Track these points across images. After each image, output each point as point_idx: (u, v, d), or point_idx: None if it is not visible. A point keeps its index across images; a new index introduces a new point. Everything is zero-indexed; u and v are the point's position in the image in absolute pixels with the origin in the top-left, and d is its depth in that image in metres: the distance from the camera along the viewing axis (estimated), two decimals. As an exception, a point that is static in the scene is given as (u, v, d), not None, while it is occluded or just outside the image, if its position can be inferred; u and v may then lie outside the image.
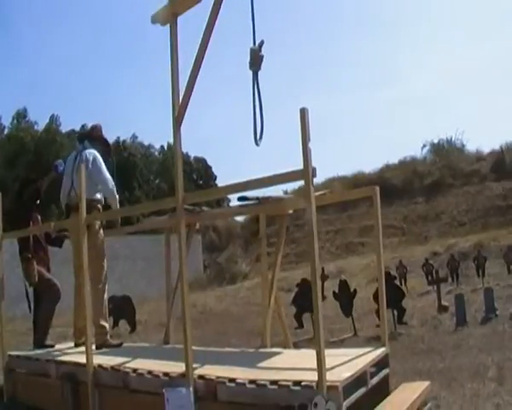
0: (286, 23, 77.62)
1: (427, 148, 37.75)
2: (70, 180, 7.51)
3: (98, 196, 7.30)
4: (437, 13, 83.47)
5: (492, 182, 28.72)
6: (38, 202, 8.28)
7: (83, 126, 45.61)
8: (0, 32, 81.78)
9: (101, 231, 7.40)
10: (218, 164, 73.09)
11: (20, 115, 59.58)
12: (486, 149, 32.26)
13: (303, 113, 4.01)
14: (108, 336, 7.35)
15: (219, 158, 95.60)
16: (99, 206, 7.29)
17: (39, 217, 8.32)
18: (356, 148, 76.46)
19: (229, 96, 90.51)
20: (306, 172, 3.99)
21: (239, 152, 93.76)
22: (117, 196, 7.56)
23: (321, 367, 3.92)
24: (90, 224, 6.57)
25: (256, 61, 5.24)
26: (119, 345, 7.38)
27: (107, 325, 7.36)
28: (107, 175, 7.43)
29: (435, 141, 37.82)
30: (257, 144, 5.21)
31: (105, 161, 7.60)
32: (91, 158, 7.28)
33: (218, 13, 4.83)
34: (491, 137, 66.26)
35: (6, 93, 77.59)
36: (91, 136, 7.74)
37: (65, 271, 8.85)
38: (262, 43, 5.27)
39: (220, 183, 66.47)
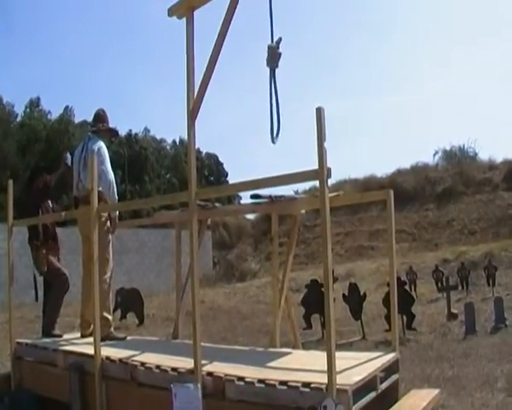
0: (301, 24, 77.51)
1: (439, 155, 37.79)
2: (77, 172, 7.52)
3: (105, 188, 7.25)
4: (451, 17, 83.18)
5: (504, 191, 28.60)
6: (48, 193, 8.28)
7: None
8: (17, 22, 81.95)
9: (108, 223, 7.38)
10: (229, 161, 73.09)
11: (33, 104, 59.78)
12: (499, 158, 32.18)
13: (319, 112, 3.96)
14: (112, 329, 7.35)
15: (231, 155, 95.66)
16: (105, 198, 7.23)
17: (51, 205, 8.30)
18: (368, 151, 76.39)
19: (242, 92, 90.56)
20: (321, 173, 3.94)
21: (250, 149, 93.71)
22: (112, 191, 7.31)
23: (331, 370, 3.88)
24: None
25: (273, 58, 5.19)
26: (123, 338, 7.37)
27: (110, 318, 7.34)
28: (108, 168, 7.34)
29: (447, 148, 37.87)
30: (273, 142, 5.16)
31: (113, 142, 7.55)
32: (96, 149, 7.24)
33: (235, 8, 4.80)
34: (505, 145, 66.03)
35: (21, 82, 78.02)
36: (99, 130, 7.71)
37: (73, 261, 8.86)
38: (280, 40, 5.23)
39: (231, 180, 66.52)
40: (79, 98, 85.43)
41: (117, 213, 7.62)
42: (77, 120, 58.48)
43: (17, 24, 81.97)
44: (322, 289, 4.36)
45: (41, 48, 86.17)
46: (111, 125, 7.95)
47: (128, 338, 7.52)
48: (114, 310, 11.84)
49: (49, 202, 8.26)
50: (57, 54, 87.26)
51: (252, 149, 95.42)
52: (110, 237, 7.43)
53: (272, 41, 5.22)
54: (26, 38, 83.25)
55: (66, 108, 59.81)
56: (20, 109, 59.02)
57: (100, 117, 7.85)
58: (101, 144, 7.44)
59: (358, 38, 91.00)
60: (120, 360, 5.66)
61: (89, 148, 7.36)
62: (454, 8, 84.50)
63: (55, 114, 59.36)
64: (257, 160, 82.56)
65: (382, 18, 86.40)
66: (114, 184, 7.41)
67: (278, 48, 5.20)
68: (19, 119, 58.52)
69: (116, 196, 7.45)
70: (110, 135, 8.17)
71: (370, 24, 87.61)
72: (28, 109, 59.46)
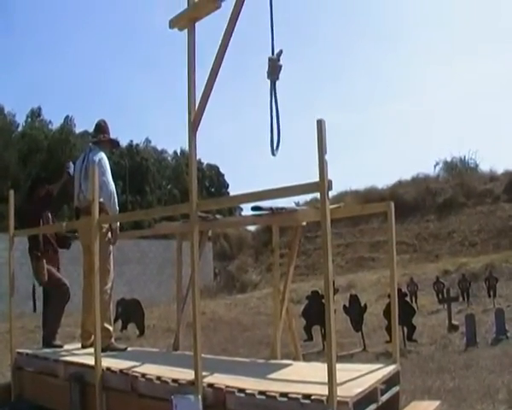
0: (303, 36, 77.77)
1: (440, 166, 37.77)
2: (78, 183, 7.54)
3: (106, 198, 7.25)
4: (453, 27, 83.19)
5: (505, 203, 28.58)
6: (49, 203, 8.29)
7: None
8: (17, 31, 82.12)
9: (109, 234, 7.39)
10: (230, 172, 73.00)
11: (35, 114, 59.94)
12: (500, 170, 32.19)
13: (320, 125, 3.98)
14: (113, 340, 7.35)
15: (232, 166, 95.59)
16: (106, 208, 7.25)
17: (50, 216, 8.32)
18: (369, 163, 76.33)
19: (243, 103, 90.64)
20: (322, 185, 3.95)
21: (251, 161, 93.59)
22: (113, 201, 7.29)
23: (332, 382, 3.88)
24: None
25: (274, 70, 5.22)
26: (124, 349, 7.36)
27: (111, 328, 7.34)
28: (109, 179, 7.35)
29: (448, 159, 37.85)
30: (273, 154, 5.18)
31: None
32: (97, 160, 7.28)
33: (236, 20, 4.83)
34: (506, 157, 66.05)
35: (22, 90, 78.16)
36: (100, 141, 7.73)
37: (74, 271, 8.86)
38: (280, 52, 5.25)
39: (232, 191, 66.56)
40: (80, 108, 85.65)
41: (118, 223, 7.62)
42: (78, 130, 58.69)
43: (17, 25, 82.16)
44: (323, 301, 4.36)
45: (42, 55, 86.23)
46: (112, 135, 7.98)
47: (129, 349, 7.51)
48: (115, 321, 11.83)
49: (49, 214, 8.29)
50: (59, 61, 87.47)
51: (253, 161, 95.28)
52: (111, 247, 7.43)
53: (273, 53, 5.24)
54: (28, 45, 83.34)
55: (67, 117, 59.97)
56: (21, 119, 59.28)
57: (101, 128, 7.87)
58: (102, 155, 7.46)
59: (359, 50, 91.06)
60: (121, 370, 5.66)
61: (90, 159, 7.38)
62: (455, 18, 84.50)
63: (55, 123, 59.60)
64: (258, 171, 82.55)
65: (383, 30, 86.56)
66: (115, 195, 7.41)
67: (279, 60, 5.23)
68: (20, 128, 58.66)
69: (117, 207, 7.45)
70: (111, 146, 8.18)
71: (372, 35, 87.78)
72: (29, 119, 59.60)
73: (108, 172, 7.41)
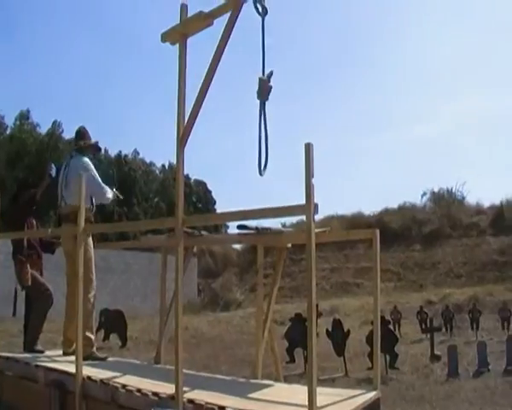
0: (292, 61, 77.84)
1: (427, 196, 37.80)
2: (60, 191, 7.60)
3: (88, 204, 7.27)
4: (442, 60, 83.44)
5: (491, 236, 28.75)
6: (34, 208, 8.29)
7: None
8: (9, 33, 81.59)
9: (91, 242, 7.40)
10: (217, 189, 72.72)
11: (23, 116, 59.49)
12: (487, 203, 32.41)
13: (308, 148, 3.98)
14: (94, 349, 7.33)
15: (219, 183, 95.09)
16: (89, 215, 7.27)
17: (35, 221, 8.32)
18: (356, 189, 76.17)
19: (234, 121, 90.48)
20: (308, 208, 3.96)
21: (239, 179, 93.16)
22: (102, 186, 7.60)
23: (312, 405, 3.86)
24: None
25: (264, 91, 5.23)
26: (104, 359, 7.34)
27: (92, 337, 7.34)
28: (95, 173, 7.53)
29: (435, 190, 37.88)
30: (261, 174, 5.18)
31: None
32: (80, 164, 7.39)
33: (228, 38, 4.86)
34: (493, 190, 66.04)
35: (11, 93, 77.70)
36: (82, 148, 7.78)
37: (58, 277, 8.81)
38: (271, 73, 5.27)
39: (219, 208, 66.43)
40: (70, 114, 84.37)
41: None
42: (67, 136, 58.26)
43: (9, 27, 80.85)
44: (306, 324, 4.36)
45: (33, 58, 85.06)
46: (94, 140, 8.04)
47: (110, 359, 7.49)
48: (97, 330, 11.79)
49: (33, 220, 8.29)
50: (50, 65, 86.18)
51: (241, 179, 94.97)
52: (93, 254, 7.44)
53: (264, 74, 5.26)
54: (19, 47, 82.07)
55: (55, 122, 59.61)
56: (10, 121, 58.90)
57: (81, 134, 7.96)
58: (85, 159, 7.58)
59: (349, 77, 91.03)
60: (102, 380, 5.63)
61: (71, 165, 7.47)
62: (442, 61, 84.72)
63: (43, 126, 59.30)
64: (245, 189, 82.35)
65: (374, 57, 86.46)
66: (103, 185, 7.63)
67: (269, 81, 5.24)
68: (8, 131, 58.30)
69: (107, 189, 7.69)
70: (93, 150, 8.21)
71: (361, 62, 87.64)
72: (18, 122, 59.26)
73: (93, 168, 7.53)
